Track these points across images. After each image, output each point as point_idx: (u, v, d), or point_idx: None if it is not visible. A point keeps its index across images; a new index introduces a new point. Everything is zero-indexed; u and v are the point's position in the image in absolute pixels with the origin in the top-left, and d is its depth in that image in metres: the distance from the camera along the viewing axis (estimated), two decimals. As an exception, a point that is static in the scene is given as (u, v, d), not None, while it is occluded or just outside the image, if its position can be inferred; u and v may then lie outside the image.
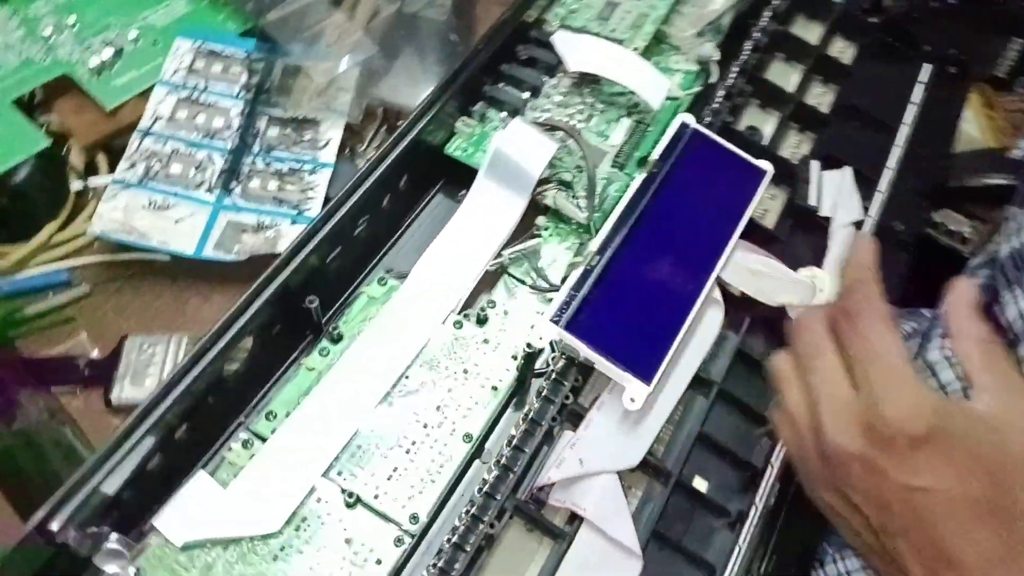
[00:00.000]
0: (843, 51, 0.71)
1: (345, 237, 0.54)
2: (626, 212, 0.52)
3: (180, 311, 0.59)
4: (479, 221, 0.57)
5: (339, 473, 0.48)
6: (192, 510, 0.45)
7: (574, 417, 0.48)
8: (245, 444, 0.48)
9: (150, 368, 0.55)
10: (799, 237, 0.58)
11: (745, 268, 0.52)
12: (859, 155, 0.62)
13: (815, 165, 0.59)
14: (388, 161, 0.55)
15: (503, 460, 0.46)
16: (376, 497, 0.47)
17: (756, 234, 0.57)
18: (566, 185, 0.58)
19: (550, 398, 0.47)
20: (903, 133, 0.65)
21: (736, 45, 0.67)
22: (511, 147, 0.57)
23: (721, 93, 0.63)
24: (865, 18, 0.72)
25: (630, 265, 0.49)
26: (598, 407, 0.47)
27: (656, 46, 0.68)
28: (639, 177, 0.54)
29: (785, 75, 0.68)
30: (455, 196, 0.61)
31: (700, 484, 0.48)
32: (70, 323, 0.58)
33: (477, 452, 0.50)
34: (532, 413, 0.47)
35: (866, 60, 0.69)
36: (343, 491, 0.47)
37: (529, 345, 0.46)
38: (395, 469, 0.48)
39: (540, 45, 0.66)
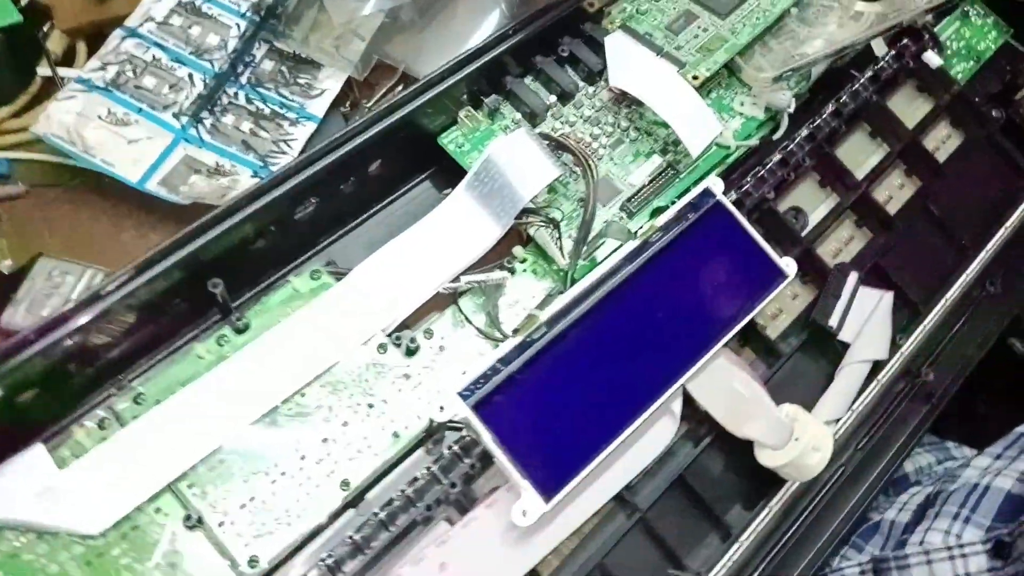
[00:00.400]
0: (944, 140, 0.59)
1: (288, 213, 0.47)
2: (599, 282, 0.43)
3: (110, 242, 0.54)
4: (446, 235, 0.49)
5: (190, 486, 0.42)
6: (16, 485, 0.40)
7: (460, 505, 0.41)
8: (101, 424, 0.42)
9: (52, 299, 0.50)
10: (804, 359, 0.49)
11: (720, 384, 0.43)
12: (914, 276, 0.51)
13: (853, 278, 0.49)
14: (365, 136, 0.47)
15: (363, 532, 0.39)
16: (221, 525, 0.41)
17: (752, 342, 0.48)
18: (552, 223, 0.49)
19: (438, 477, 0.40)
20: (980, 261, 0.53)
21: (818, 103, 0.56)
22: (506, 159, 0.48)
23: (777, 157, 0.52)
24: (987, 108, 0.59)
25: (580, 350, 0.41)
26: (488, 505, 0.39)
27: (724, 79, 0.57)
28: (632, 242, 0.45)
29: (862, 153, 0.57)
30: (440, 192, 0.53)
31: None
32: (-9, 223, 0.53)
33: (354, 502, 0.43)
34: (412, 487, 0.40)
35: (967, 159, 0.57)
36: (186, 508, 0.41)
37: (431, 421, 0.39)
38: (252, 499, 0.42)
39: (589, 43, 0.56)
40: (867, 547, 0.49)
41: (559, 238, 0.49)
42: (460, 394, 0.38)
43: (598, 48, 0.55)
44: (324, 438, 0.44)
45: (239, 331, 0.45)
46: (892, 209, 0.55)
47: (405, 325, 0.48)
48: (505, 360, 0.40)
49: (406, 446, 0.44)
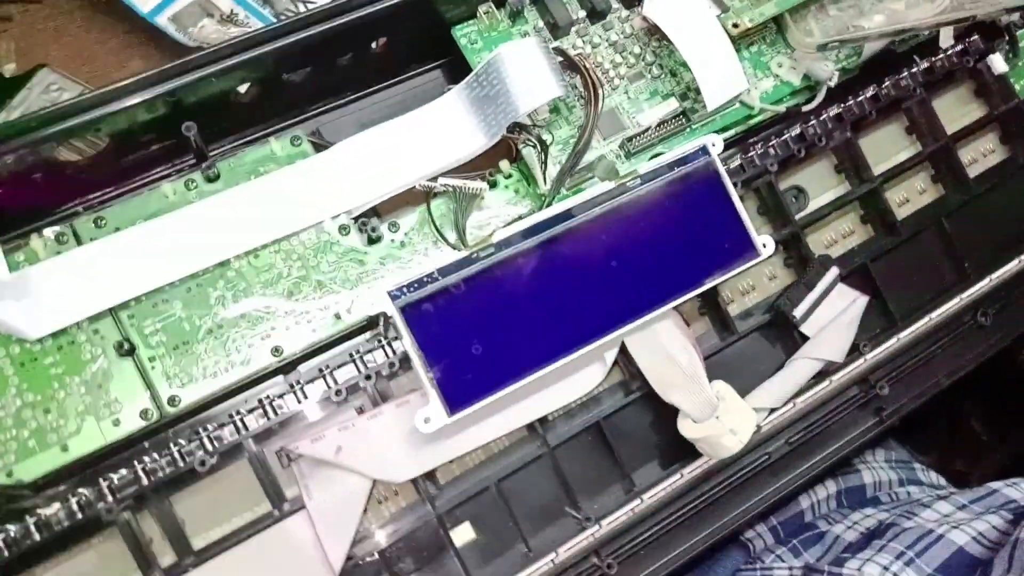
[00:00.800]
0: (985, 155, 0.55)
1: (276, 73, 0.46)
2: (561, 216, 0.42)
3: (113, 68, 0.54)
4: (434, 130, 0.48)
5: (131, 316, 0.43)
6: (-36, 279, 0.41)
7: (374, 398, 0.41)
8: (59, 238, 0.43)
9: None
10: (760, 341, 0.48)
11: (659, 345, 0.42)
12: (903, 287, 0.49)
13: (832, 273, 0.47)
14: (374, 9, 0.46)
15: (277, 399, 0.40)
16: (151, 359, 0.43)
17: (711, 312, 0.47)
18: (541, 143, 0.47)
19: (359, 365, 0.41)
20: (979, 288, 0.51)
21: (859, 84, 0.52)
22: (510, 66, 0.46)
23: (795, 131, 0.49)
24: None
25: (523, 279, 0.41)
26: (398, 404, 0.40)
27: (768, 34, 0.53)
28: (609, 184, 0.43)
29: (891, 146, 0.54)
30: (444, 86, 0.52)
31: (462, 534, 0.42)
32: (2, 22, 0.53)
33: (284, 369, 0.45)
34: (334, 369, 0.41)
35: (1002, 180, 0.53)
36: (122, 335, 0.43)
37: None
38: (186, 343, 0.43)
39: (638, -41, 0.53)
40: (805, 554, 0.49)
41: (545, 161, 0.48)
42: (390, 293, 0.38)
43: (644, -31, 0.52)
44: (267, 305, 0.44)
45: (209, 179, 0.46)
46: (903, 212, 0.52)
47: (375, 212, 0.48)
48: (444, 271, 0.39)
49: (344, 330, 0.44)
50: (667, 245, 0.43)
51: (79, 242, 0.44)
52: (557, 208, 0.42)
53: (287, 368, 0.45)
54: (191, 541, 0.40)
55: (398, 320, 0.38)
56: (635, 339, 0.42)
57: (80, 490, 0.38)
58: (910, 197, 0.53)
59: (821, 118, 0.50)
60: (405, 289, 0.39)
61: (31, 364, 0.42)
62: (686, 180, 0.44)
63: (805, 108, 0.53)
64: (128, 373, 0.43)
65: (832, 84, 0.53)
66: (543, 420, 0.43)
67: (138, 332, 0.43)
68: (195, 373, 0.43)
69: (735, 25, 0.51)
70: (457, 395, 0.38)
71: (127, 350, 0.43)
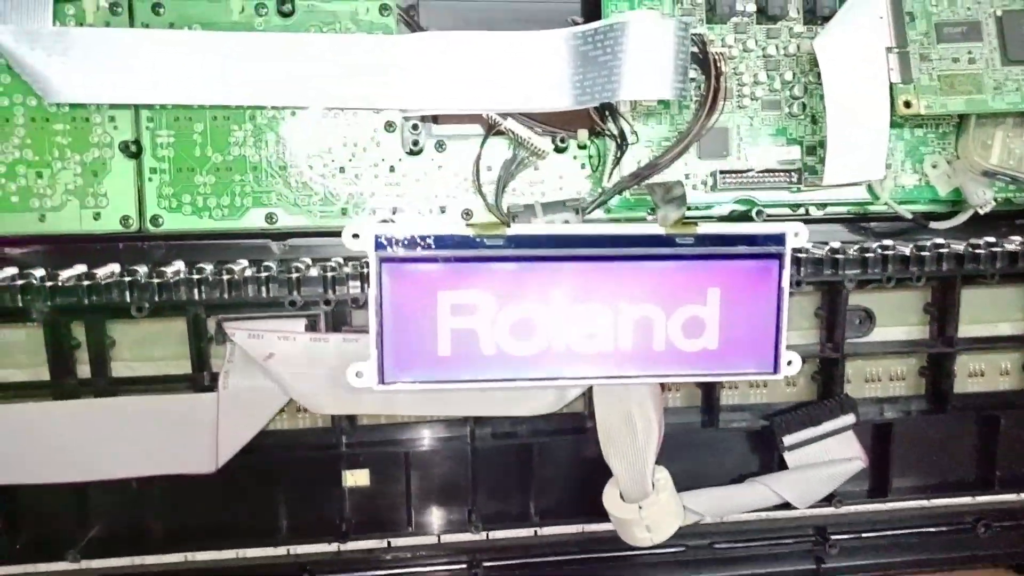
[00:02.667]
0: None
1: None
2: (593, 239, 0.38)
3: None
4: (527, 65, 0.42)
5: (150, 120, 0.42)
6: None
7: (328, 318, 0.40)
8: (113, 8, 0.41)
9: None
10: (737, 439, 0.44)
11: (623, 406, 0.39)
12: (914, 465, 0.45)
13: (847, 419, 0.42)
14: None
15: (245, 273, 0.39)
16: (153, 172, 0.42)
17: (702, 391, 0.43)
18: (620, 138, 0.42)
19: (326, 280, 0.39)
20: (999, 500, 0.45)
21: (1008, 223, 0.44)
22: (631, 43, 0.40)
23: (902, 251, 0.43)
24: None
25: (518, 286, 0.37)
26: (344, 339, 0.39)
27: (941, 127, 0.45)
28: (659, 226, 0.38)
29: (995, 312, 0.46)
30: (564, 16, 0.45)
31: (357, 477, 0.42)
32: None
33: (277, 237, 0.44)
34: (301, 272, 0.39)
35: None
36: (135, 134, 0.41)
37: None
38: (192, 169, 0.42)
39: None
40: None
41: (620, 158, 0.42)
42: (377, 239, 0.36)
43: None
44: (283, 167, 0.42)
45: (282, 13, 0.42)
46: (968, 386, 0.46)
47: (432, 119, 0.44)
48: (441, 241, 0.36)
49: (340, 226, 0.42)
50: (685, 318, 0.38)
51: (131, 22, 0.41)
52: (593, 229, 0.38)
53: (278, 237, 0.44)
54: (111, 365, 0.40)
55: (373, 270, 0.36)
56: (603, 391, 0.39)
57: (31, 271, 0.38)
58: (986, 372, 0.46)
59: (936, 249, 0.42)
60: (394, 241, 0.36)
61: (42, 123, 0.41)
62: (743, 260, 0.38)
63: (934, 224, 0.46)
64: (126, 174, 0.42)
65: (982, 211, 0.45)
66: (478, 420, 0.41)
67: (151, 138, 0.42)
68: (186, 202, 0.42)
69: (907, 104, 0.42)
70: (397, 368, 0.37)
71: (134, 151, 0.41)
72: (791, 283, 0.39)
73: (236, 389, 0.38)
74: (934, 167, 0.45)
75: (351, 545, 0.41)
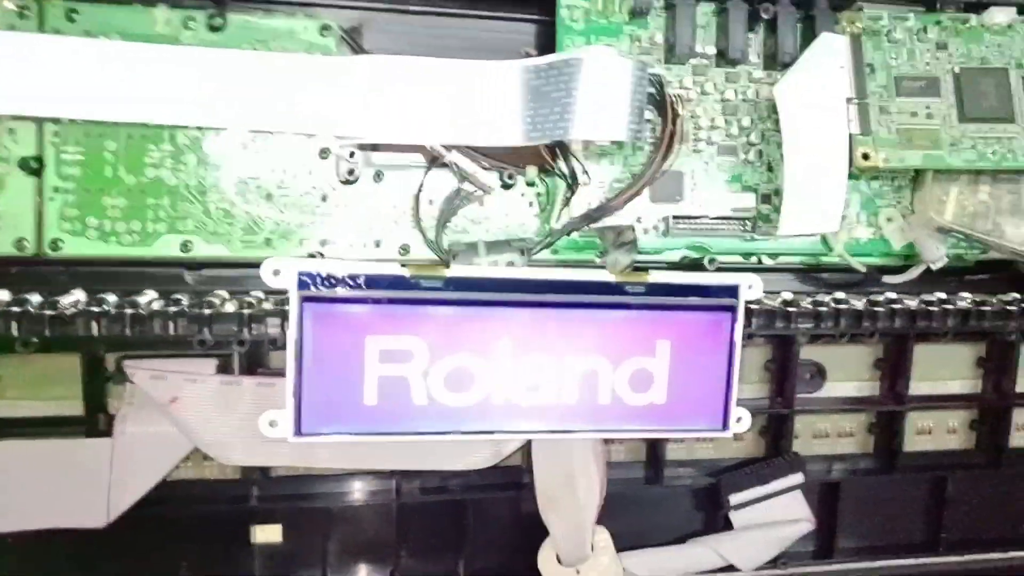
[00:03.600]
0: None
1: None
2: (538, 284, 0.35)
3: None
4: (476, 96, 0.40)
5: (56, 135, 0.38)
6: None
7: (243, 359, 0.36)
8: (21, 11, 0.37)
9: None
10: (683, 497, 0.42)
11: (564, 463, 0.37)
12: (861, 525, 0.43)
13: (796, 479, 0.40)
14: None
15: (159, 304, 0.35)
16: (56, 191, 0.38)
17: (647, 448, 0.41)
18: (570, 178, 0.40)
19: (243, 317, 0.35)
20: (938, 562, 0.44)
21: (962, 279, 0.44)
22: (586, 82, 0.37)
23: (855, 306, 0.41)
24: None
25: (455, 332, 0.34)
26: (258, 383, 0.35)
27: (898, 181, 0.44)
28: (608, 273, 0.36)
29: (946, 369, 0.45)
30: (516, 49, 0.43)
31: (268, 533, 0.38)
32: None
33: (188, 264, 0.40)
34: (216, 309, 0.35)
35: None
36: (38, 150, 0.37)
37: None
38: (100, 190, 0.38)
39: (806, 22, 0.43)
40: None
41: (570, 198, 0.40)
42: (301, 275, 0.32)
43: (809, 37, 0.42)
44: (202, 193, 0.39)
45: (212, 27, 0.39)
46: (918, 444, 0.44)
47: (371, 148, 0.41)
48: (372, 281, 0.33)
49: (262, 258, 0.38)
50: (632, 371, 0.36)
51: (41, 27, 0.38)
52: (539, 274, 0.35)
53: (190, 265, 0.40)
54: (-9, 404, 0.36)
55: (294, 310, 0.32)
56: (543, 445, 0.37)
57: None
58: (934, 430, 0.45)
59: (891, 306, 0.41)
60: (319, 279, 0.32)
61: (-70, 132, 0.37)
62: (697, 313, 0.36)
63: (887, 278, 0.44)
64: (24, 193, 0.38)
65: (934, 268, 0.44)
66: (406, 473, 0.37)
67: (55, 154, 0.38)
68: (92, 226, 0.38)
69: (865, 156, 0.41)
70: (315, 419, 0.33)
71: (34, 168, 0.37)
72: (743, 336, 0.38)
73: (133, 435, 0.34)
74: (889, 220, 0.44)
75: (259, 610, 0.38)
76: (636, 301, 0.35)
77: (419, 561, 0.39)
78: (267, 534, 0.38)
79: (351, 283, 0.33)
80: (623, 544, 0.39)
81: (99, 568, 0.37)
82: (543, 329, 0.35)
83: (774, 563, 0.42)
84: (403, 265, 0.33)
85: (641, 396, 0.36)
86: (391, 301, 0.33)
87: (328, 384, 0.33)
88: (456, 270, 0.34)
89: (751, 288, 0.37)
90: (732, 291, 0.36)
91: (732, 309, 0.37)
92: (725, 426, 0.37)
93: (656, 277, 0.36)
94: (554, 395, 0.36)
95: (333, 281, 0.33)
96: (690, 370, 0.37)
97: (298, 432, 0.33)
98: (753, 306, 0.40)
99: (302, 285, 0.32)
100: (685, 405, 0.37)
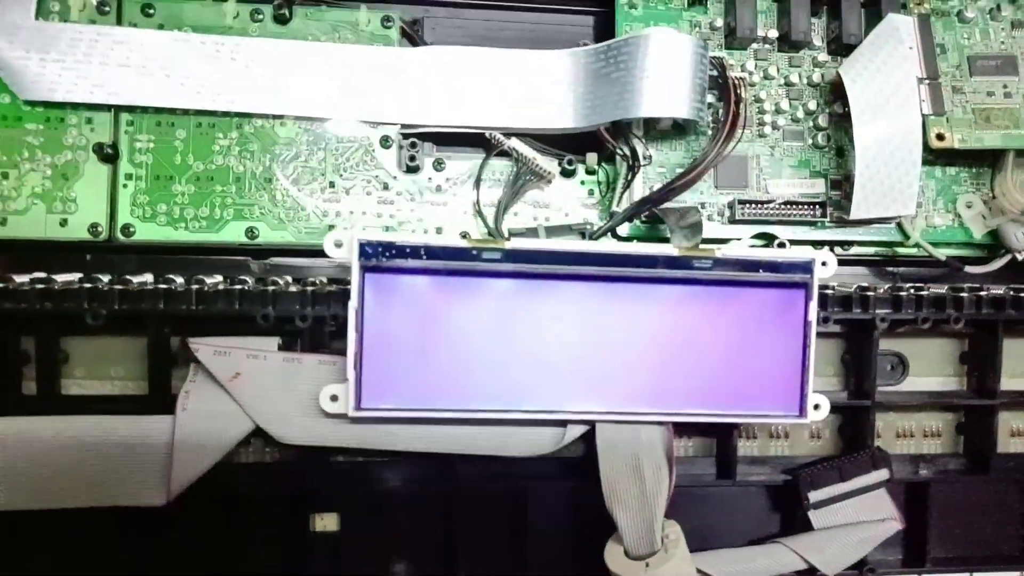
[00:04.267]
0: None
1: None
2: (605, 258, 0.34)
3: None
4: (535, 84, 0.40)
5: (130, 123, 0.39)
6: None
7: (304, 335, 0.36)
8: (100, 6, 0.39)
9: None
10: (758, 497, 0.40)
11: (631, 450, 0.35)
12: (954, 533, 0.40)
13: (881, 475, 0.38)
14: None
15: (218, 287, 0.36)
16: (128, 178, 0.39)
17: (718, 441, 0.39)
18: (632, 159, 0.39)
19: (306, 296, 0.35)
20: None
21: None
22: (649, 58, 0.38)
23: (937, 292, 0.39)
24: None
25: (518, 305, 0.33)
26: (320, 360, 0.35)
27: (975, 165, 0.42)
28: (673, 248, 0.35)
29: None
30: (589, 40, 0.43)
31: (325, 522, 0.37)
32: None
33: (254, 252, 0.40)
34: (280, 289, 0.35)
35: None
36: (113, 138, 0.38)
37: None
38: (170, 177, 0.39)
39: (869, 4, 0.42)
40: None
41: (630, 180, 0.39)
42: (362, 246, 0.32)
43: (874, 20, 0.41)
44: (269, 179, 0.39)
45: (278, 19, 0.40)
46: (1012, 446, 0.41)
47: (432, 138, 0.41)
48: (431, 252, 0.32)
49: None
50: (705, 351, 0.34)
51: (119, 20, 0.39)
52: (607, 247, 0.34)
53: (257, 252, 0.40)
54: (61, 382, 0.36)
55: (355, 281, 0.32)
56: (608, 428, 0.35)
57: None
58: (1031, 431, 0.42)
59: (978, 293, 0.39)
60: (380, 249, 0.32)
61: (13, 122, 0.39)
62: (768, 291, 0.35)
63: (970, 268, 0.42)
64: (99, 179, 0.39)
65: (1020, 258, 0.41)
66: (466, 458, 0.36)
67: (129, 142, 0.39)
68: (162, 212, 0.39)
69: (939, 136, 0.40)
70: (377, 391, 0.33)
71: (110, 155, 0.39)
72: (818, 319, 0.36)
73: (195, 412, 0.34)
74: (968, 207, 0.42)
75: (316, 599, 0.36)
76: (704, 276, 0.34)
77: (478, 552, 0.37)
78: (325, 522, 0.37)
79: (412, 253, 0.32)
80: (694, 545, 0.36)
81: (157, 552, 0.36)
82: (606, 304, 0.34)
83: (859, 570, 0.39)
84: (463, 236, 0.33)
85: (710, 378, 0.35)
86: (451, 272, 0.33)
87: (389, 357, 0.33)
88: (516, 242, 0.33)
89: (825, 265, 0.35)
90: (806, 267, 0.35)
91: (806, 286, 0.35)
92: (802, 412, 0.35)
93: (724, 251, 0.34)
94: (619, 375, 0.34)
95: (395, 251, 0.32)
96: (763, 351, 0.35)
97: (359, 406, 0.32)
98: (828, 291, 0.38)
99: (363, 255, 0.32)
100: (758, 389, 0.35)
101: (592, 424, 0.35)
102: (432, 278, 0.33)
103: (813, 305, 0.35)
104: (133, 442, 0.34)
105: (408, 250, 0.32)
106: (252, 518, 0.37)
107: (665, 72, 0.37)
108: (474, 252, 0.33)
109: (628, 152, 0.39)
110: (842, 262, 0.41)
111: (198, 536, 0.36)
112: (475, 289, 0.33)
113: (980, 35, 0.42)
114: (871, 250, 0.42)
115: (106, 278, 0.35)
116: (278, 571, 0.37)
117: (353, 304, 0.32)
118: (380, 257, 0.32)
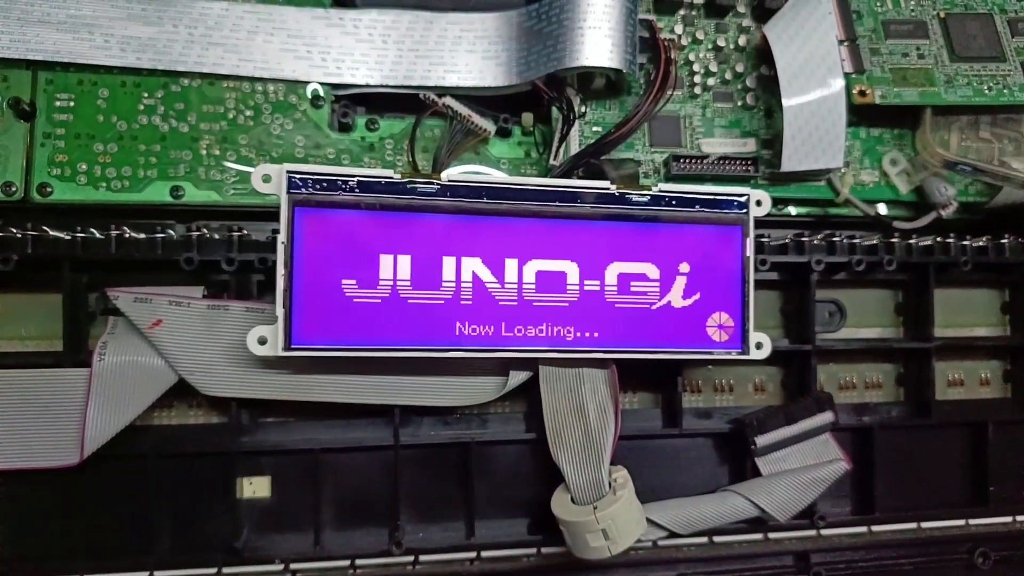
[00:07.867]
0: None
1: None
2: (542, 193, 0.34)
3: None
4: (468, 44, 0.40)
5: (50, 81, 0.38)
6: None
7: (226, 285, 0.34)
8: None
9: None
10: (705, 448, 0.39)
11: (575, 391, 0.34)
12: (899, 481, 0.40)
13: (826, 418, 0.37)
14: None
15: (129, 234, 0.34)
16: (46, 136, 0.37)
17: (663, 392, 0.38)
18: (568, 113, 0.39)
19: (232, 242, 0.34)
20: (996, 525, 0.40)
21: (974, 231, 0.42)
22: (579, 11, 0.38)
23: (869, 242, 0.40)
24: None
25: (454, 241, 0.33)
26: (249, 308, 0.33)
27: (896, 124, 0.43)
28: (613, 186, 0.35)
29: (971, 315, 0.43)
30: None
31: (256, 487, 0.35)
32: None
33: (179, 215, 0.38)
34: (203, 235, 0.34)
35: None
36: (31, 95, 0.37)
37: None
38: (91, 136, 0.37)
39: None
40: None
41: (566, 133, 0.40)
42: (291, 177, 0.31)
43: (794, -13, 0.43)
44: (195, 138, 0.38)
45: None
46: (949, 394, 0.42)
47: (364, 100, 0.41)
48: (366, 185, 0.32)
49: (258, 205, 0.37)
50: (646, 291, 0.34)
51: (38, -21, 0.38)
52: (545, 182, 0.34)
53: (181, 215, 0.39)
54: (-33, 340, 0.34)
55: (284, 215, 0.31)
56: (551, 373, 0.34)
57: None
58: (967, 382, 0.43)
59: (902, 246, 0.40)
60: (310, 182, 0.31)
61: (-80, 75, 0.37)
62: (705, 227, 0.35)
63: (898, 224, 0.43)
64: (15, 137, 0.37)
65: (944, 215, 0.42)
66: (404, 409, 0.35)
67: (47, 100, 0.38)
68: (81, 171, 0.37)
69: (862, 93, 0.41)
70: (307, 330, 0.31)
71: (26, 112, 0.37)
72: (756, 263, 0.36)
73: (113, 363, 0.32)
74: (893, 164, 0.43)
75: (243, 569, 0.34)
76: (642, 213, 0.34)
77: (425, 516, 0.36)
78: (255, 487, 0.34)
79: (344, 187, 0.32)
80: (644, 498, 0.35)
81: (70, 520, 0.33)
82: (544, 243, 0.33)
83: (810, 519, 0.38)
84: (398, 171, 0.32)
85: (651, 315, 0.34)
86: (384, 207, 0.32)
87: (320, 294, 0.31)
88: (451, 175, 0.33)
89: (760, 204, 0.36)
90: (741, 204, 0.35)
91: (742, 224, 0.35)
92: (744, 348, 0.35)
93: (661, 188, 0.34)
94: (557, 312, 0.34)
95: (326, 184, 0.31)
96: (703, 287, 0.35)
97: (288, 345, 0.31)
98: (765, 239, 0.38)
99: (292, 186, 0.31)
100: (699, 324, 0.35)
101: (534, 368, 0.34)
102: (365, 212, 0.32)
103: (750, 242, 0.35)
104: (44, 398, 0.31)
105: (340, 183, 0.31)
106: (173, 482, 0.34)
107: (597, 24, 0.38)
108: (409, 186, 0.32)
109: (565, 104, 0.39)
110: (777, 223, 0.42)
111: (113, 502, 0.33)
112: (409, 223, 0.32)
113: (892, 2, 0.44)
114: (804, 210, 0.43)
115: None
116: (203, 541, 0.34)
117: (282, 238, 0.31)
118: (310, 189, 0.31)
